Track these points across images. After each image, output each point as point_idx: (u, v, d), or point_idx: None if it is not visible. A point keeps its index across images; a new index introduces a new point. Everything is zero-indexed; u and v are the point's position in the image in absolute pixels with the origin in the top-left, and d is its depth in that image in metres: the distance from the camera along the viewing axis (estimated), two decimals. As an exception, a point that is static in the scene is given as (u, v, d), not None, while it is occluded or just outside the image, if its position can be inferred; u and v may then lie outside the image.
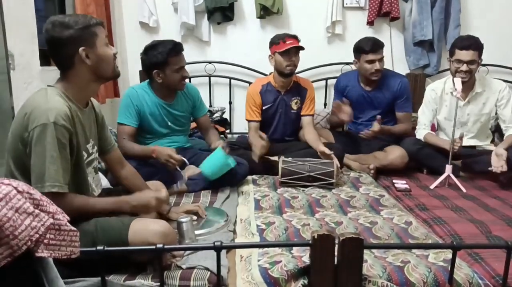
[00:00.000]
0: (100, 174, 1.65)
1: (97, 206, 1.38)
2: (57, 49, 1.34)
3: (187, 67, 2.27)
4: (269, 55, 2.57)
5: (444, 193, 2.22)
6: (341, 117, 2.64)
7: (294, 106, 2.67)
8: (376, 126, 2.52)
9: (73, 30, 1.31)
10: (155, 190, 1.64)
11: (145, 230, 1.29)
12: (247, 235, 1.68)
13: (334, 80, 3.12)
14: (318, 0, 3.19)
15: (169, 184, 2.02)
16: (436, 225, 1.78)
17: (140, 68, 2.47)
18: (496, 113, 2.53)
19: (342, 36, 3.26)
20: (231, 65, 3.25)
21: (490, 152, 2.34)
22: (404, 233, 1.69)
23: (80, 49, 1.33)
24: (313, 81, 2.83)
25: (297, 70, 2.62)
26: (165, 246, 1.10)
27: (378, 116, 2.55)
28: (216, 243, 1.10)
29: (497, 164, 2.21)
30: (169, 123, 2.28)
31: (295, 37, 2.52)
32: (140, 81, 2.62)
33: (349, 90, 2.83)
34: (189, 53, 3.11)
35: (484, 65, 3.15)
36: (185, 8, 3.08)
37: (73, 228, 0.89)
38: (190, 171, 2.24)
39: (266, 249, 1.46)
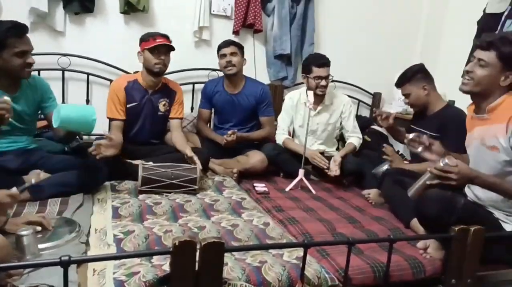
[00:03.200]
0: None
1: None
2: None
3: (36, 58, 1.99)
4: (138, 52, 2.48)
5: (297, 194, 2.42)
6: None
7: (162, 108, 2.59)
8: (230, 136, 2.64)
9: None
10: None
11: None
12: (102, 247, 1.54)
13: (201, 85, 3.14)
14: (187, 3, 3.17)
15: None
16: (290, 225, 1.93)
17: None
18: (340, 123, 2.88)
19: (209, 42, 3.30)
20: (89, 60, 2.98)
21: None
22: (262, 234, 1.78)
23: None
24: (180, 85, 2.78)
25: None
26: (-2, 265, 0.93)
27: (230, 131, 2.67)
28: (63, 258, 0.98)
29: (333, 168, 2.57)
30: (9, 119, 1.95)
31: (166, 37, 2.48)
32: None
33: (214, 95, 2.92)
34: (40, 43, 2.76)
35: (332, 81, 3.56)
36: (35, -9, 2.71)
37: None
38: (36, 176, 1.97)
39: (123, 260, 1.37)
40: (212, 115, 3.07)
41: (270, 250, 1.57)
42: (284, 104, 2.92)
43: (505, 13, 2.96)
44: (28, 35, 1.94)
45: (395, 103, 3.61)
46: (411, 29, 3.89)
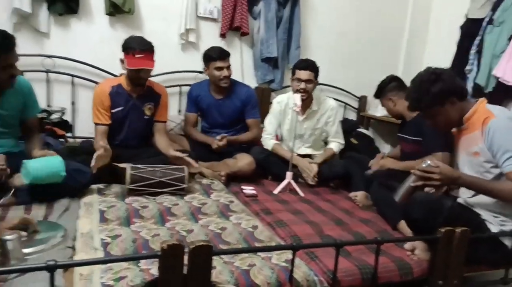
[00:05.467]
0: None
1: None
2: None
3: (20, 59, 1.96)
4: (120, 59, 2.41)
5: (285, 197, 2.42)
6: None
7: (148, 112, 2.56)
8: (222, 141, 2.67)
9: None
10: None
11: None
12: (89, 251, 1.52)
13: (187, 88, 3.13)
14: (173, 6, 3.16)
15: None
16: (279, 228, 1.93)
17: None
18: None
19: (196, 44, 3.28)
20: (74, 62, 2.94)
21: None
22: (251, 237, 1.78)
23: None
24: (166, 87, 2.76)
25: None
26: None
27: (219, 136, 2.70)
28: (49, 262, 0.96)
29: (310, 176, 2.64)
30: None
31: (148, 50, 2.35)
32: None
33: (200, 99, 2.92)
34: (23, 44, 2.72)
35: (319, 84, 3.58)
36: (18, -8, 2.66)
37: None
38: (21, 179, 1.94)
39: (110, 264, 1.35)
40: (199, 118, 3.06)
41: (259, 253, 1.56)
42: (272, 109, 2.92)
43: (486, 19, 3.04)
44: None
45: (381, 107, 3.65)
46: (396, 33, 3.94)
